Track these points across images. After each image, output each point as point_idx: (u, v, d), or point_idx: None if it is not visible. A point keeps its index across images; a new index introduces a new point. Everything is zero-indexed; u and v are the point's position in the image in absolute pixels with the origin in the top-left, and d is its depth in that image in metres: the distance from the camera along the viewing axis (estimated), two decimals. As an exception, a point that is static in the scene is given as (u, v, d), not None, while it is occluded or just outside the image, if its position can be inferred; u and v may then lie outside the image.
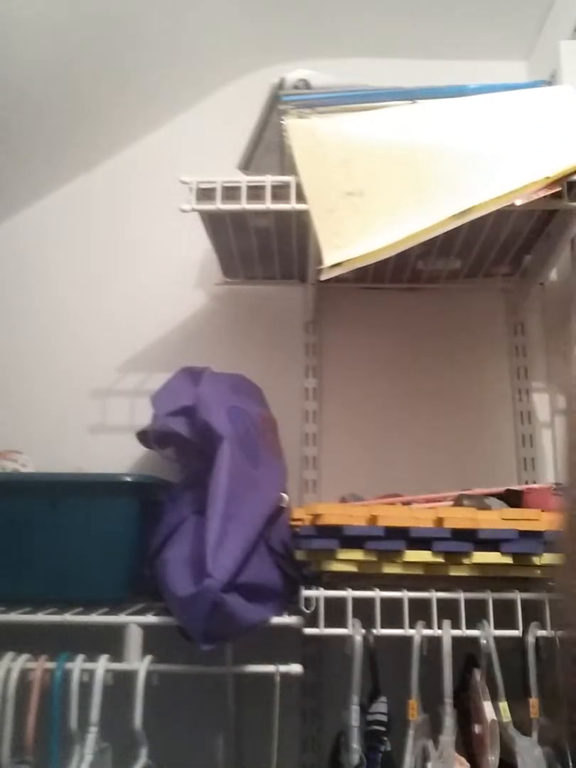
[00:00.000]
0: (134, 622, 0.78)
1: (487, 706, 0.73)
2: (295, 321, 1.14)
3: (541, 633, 0.76)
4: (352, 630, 0.75)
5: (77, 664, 0.75)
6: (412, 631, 0.75)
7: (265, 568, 0.79)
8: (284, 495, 0.88)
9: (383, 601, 0.76)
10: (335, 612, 0.76)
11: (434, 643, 0.76)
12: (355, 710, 0.73)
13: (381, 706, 0.75)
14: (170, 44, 1.10)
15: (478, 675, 0.76)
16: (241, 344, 1.13)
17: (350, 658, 0.75)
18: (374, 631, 0.75)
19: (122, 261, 1.18)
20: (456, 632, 0.75)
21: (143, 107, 1.19)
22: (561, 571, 0.31)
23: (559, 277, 1.12)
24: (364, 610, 0.76)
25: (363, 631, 0.75)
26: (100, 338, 1.14)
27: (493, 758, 0.70)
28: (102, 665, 0.76)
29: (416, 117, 0.88)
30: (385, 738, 0.73)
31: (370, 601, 0.76)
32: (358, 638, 0.74)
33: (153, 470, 0.98)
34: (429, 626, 0.76)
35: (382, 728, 0.74)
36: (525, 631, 0.76)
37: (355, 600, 0.76)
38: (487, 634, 0.75)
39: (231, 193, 0.85)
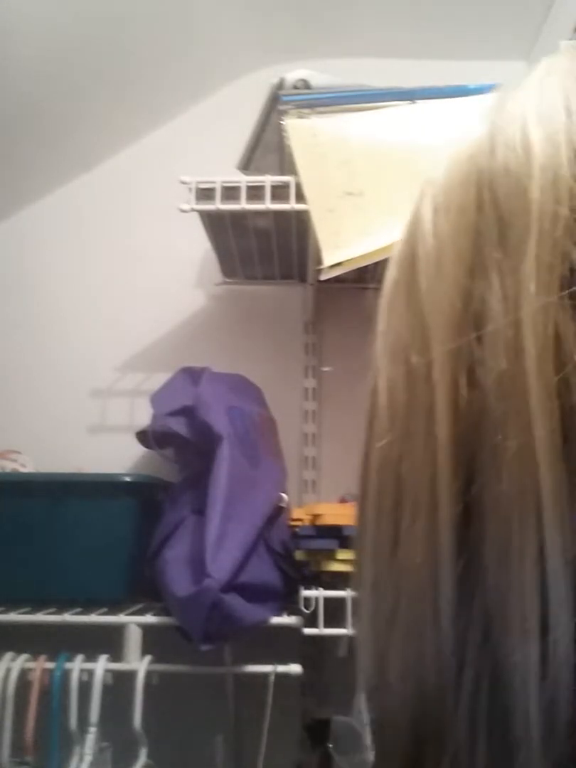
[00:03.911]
0: (134, 622, 0.78)
1: None
2: (295, 321, 1.14)
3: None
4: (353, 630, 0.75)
5: (77, 664, 0.75)
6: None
7: (264, 568, 0.79)
8: (284, 495, 0.88)
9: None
10: (335, 612, 0.76)
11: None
12: (363, 709, 0.73)
13: None
14: (170, 44, 1.10)
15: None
16: (241, 344, 1.13)
17: (338, 658, 0.75)
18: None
19: (122, 261, 1.18)
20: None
21: (143, 107, 1.19)
22: None
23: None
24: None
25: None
26: (99, 338, 1.14)
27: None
28: (101, 665, 0.76)
29: (416, 117, 0.88)
30: None
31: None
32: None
33: (153, 470, 0.98)
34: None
35: None
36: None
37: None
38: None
39: (230, 193, 0.85)
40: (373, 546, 0.24)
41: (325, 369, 1.10)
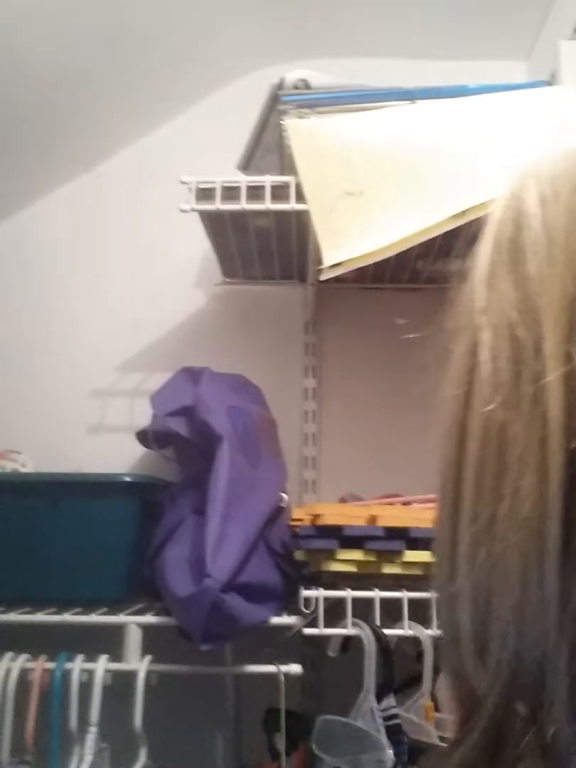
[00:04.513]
0: (134, 622, 0.78)
1: None
2: (295, 321, 1.14)
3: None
4: (362, 630, 0.75)
5: (77, 664, 0.75)
6: (411, 631, 0.75)
7: (264, 568, 0.79)
8: (284, 495, 0.88)
9: (382, 600, 0.76)
10: (335, 612, 0.76)
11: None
12: (376, 708, 0.72)
13: (392, 701, 0.75)
14: (171, 44, 1.10)
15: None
16: (241, 344, 1.13)
17: (338, 658, 0.75)
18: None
19: (122, 261, 1.18)
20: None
21: (143, 107, 1.19)
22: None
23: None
24: (364, 609, 0.76)
25: (367, 629, 0.75)
26: (99, 338, 1.14)
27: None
28: (101, 665, 0.76)
29: (416, 117, 0.88)
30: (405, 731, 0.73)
31: (369, 602, 0.76)
32: (370, 637, 0.74)
33: (153, 470, 0.98)
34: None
35: (399, 722, 0.73)
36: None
37: (355, 600, 0.76)
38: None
39: (230, 193, 0.85)
40: (473, 502, 0.25)
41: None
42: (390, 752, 0.69)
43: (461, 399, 0.27)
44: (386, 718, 0.73)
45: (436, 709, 0.75)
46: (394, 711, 0.73)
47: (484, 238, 0.28)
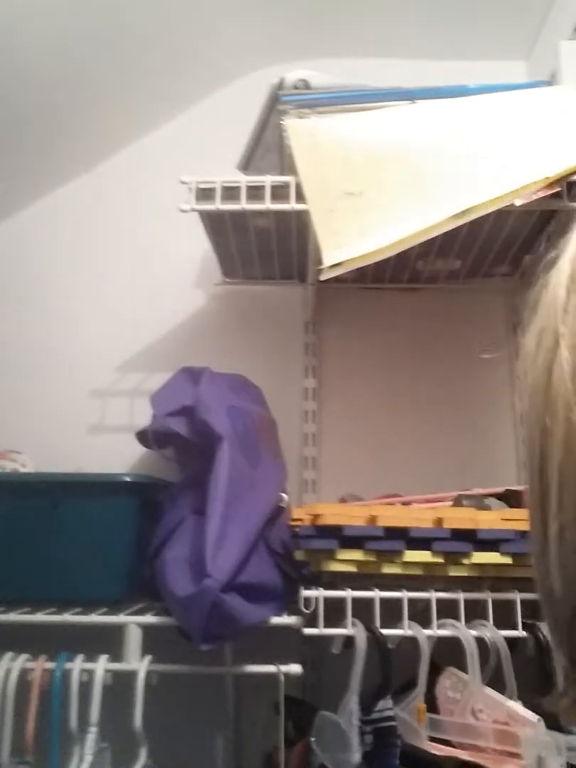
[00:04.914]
0: (134, 622, 0.78)
1: (518, 706, 0.71)
2: (295, 321, 1.14)
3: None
4: (355, 630, 0.75)
5: (77, 664, 0.75)
6: (411, 632, 0.75)
7: (264, 568, 0.79)
8: (284, 495, 0.88)
9: (382, 600, 0.76)
10: (335, 612, 0.76)
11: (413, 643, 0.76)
12: (355, 710, 0.73)
13: (388, 703, 0.75)
14: (171, 44, 1.10)
15: (452, 677, 0.75)
16: (241, 344, 1.13)
17: (338, 658, 0.75)
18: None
19: (122, 261, 1.18)
20: (473, 632, 0.75)
21: (143, 107, 1.19)
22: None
23: (559, 277, 1.12)
24: (363, 609, 0.76)
25: (361, 629, 0.75)
26: (99, 338, 1.14)
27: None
28: (101, 665, 0.76)
29: (416, 117, 0.88)
30: (400, 733, 0.73)
31: (369, 602, 0.76)
32: (362, 637, 0.74)
33: (153, 470, 0.98)
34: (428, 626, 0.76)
35: (394, 723, 0.73)
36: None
37: (355, 600, 0.76)
38: (495, 634, 0.75)
39: (230, 193, 0.85)
40: (558, 493, 0.29)
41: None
42: (357, 755, 0.70)
43: (543, 405, 0.31)
44: (380, 720, 0.73)
45: (433, 709, 0.75)
46: (389, 713, 0.73)
47: (560, 272, 0.33)
